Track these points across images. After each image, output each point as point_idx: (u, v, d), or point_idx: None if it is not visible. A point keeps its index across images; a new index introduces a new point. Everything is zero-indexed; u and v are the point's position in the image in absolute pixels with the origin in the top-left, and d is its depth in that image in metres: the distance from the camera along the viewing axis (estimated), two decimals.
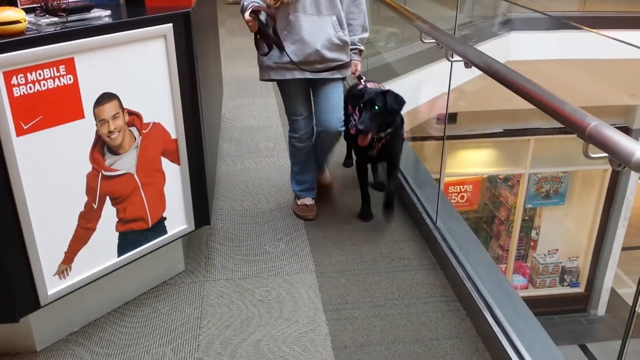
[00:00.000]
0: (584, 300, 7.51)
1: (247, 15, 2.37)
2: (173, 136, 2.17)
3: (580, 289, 7.53)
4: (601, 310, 7.50)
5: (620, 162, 1.33)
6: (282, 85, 2.69)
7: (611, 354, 6.63)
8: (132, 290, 2.31)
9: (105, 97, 1.93)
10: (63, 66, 1.79)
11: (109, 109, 1.95)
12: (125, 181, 2.05)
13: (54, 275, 1.92)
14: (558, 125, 1.59)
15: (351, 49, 2.65)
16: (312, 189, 2.97)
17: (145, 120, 2.06)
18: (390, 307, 2.29)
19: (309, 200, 2.96)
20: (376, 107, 2.54)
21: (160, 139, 2.13)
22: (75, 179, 1.91)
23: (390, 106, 2.58)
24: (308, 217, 2.93)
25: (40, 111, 1.77)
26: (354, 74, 2.75)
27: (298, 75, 2.56)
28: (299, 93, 2.71)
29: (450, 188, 7.12)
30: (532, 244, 7.54)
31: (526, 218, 7.46)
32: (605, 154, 1.39)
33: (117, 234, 2.08)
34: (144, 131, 2.07)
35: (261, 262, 2.56)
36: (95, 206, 1.99)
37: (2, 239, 1.77)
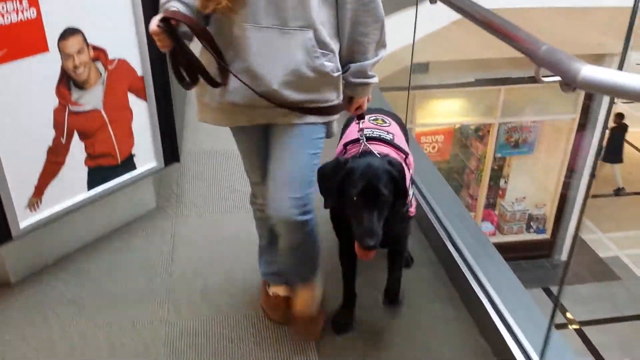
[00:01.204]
0: (549, 246, 7.80)
1: (153, 25, 1.38)
2: (139, 73, 2.18)
3: (546, 235, 7.81)
4: (565, 255, 7.81)
5: (568, 82, 1.40)
6: (232, 130, 1.70)
7: (574, 296, 6.96)
8: (105, 225, 2.35)
9: (69, 32, 1.93)
10: (25, 0, 1.78)
11: (73, 43, 1.94)
12: (92, 117, 2.07)
13: (25, 207, 1.95)
14: (529, 74, 1.64)
15: (354, 83, 1.62)
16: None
17: (110, 57, 2.07)
18: None
19: (282, 290, 1.94)
20: (383, 196, 1.53)
21: (126, 76, 2.14)
22: (43, 113, 1.93)
23: (401, 186, 1.59)
24: (278, 319, 1.95)
25: (4, 44, 1.77)
26: (353, 112, 1.73)
27: (243, 122, 1.59)
28: (252, 144, 1.70)
29: (422, 138, 7.22)
30: (500, 192, 7.75)
31: (495, 167, 7.64)
32: (556, 77, 1.47)
33: (87, 168, 2.11)
34: (109, 67, 2.07)
35: (231, 199, 2.62)
36: (63, 141, 2.00)
37: None
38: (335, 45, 1.55)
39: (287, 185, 1.61)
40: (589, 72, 1.33)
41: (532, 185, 7.82)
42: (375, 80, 1.65)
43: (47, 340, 1.86)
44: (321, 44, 1.50)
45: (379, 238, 1.52)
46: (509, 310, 1.96)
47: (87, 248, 2.26)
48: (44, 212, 2.01)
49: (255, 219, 1.92)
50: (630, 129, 8.50)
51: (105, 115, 2.10)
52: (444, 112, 7.34)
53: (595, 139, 7.00)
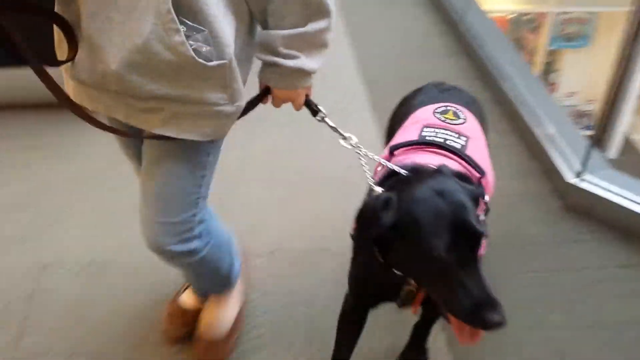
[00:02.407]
0: (596, 143, 7.80)
1: None
2: None
3: (593, 132, 7.80)
4: (612, 153, 7.83)
5: None
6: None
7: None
8: None
9: None
10: None
11: None
12: None
13: None
14: None
15: (260, 60, 1.12)
16: None
17: None
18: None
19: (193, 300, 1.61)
20: (482, 237, 0.98)
21: None
22: None
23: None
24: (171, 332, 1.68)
25: None
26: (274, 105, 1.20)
27: (100, 108, 1.13)
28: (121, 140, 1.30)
29: None
30: (551, 86, 7.69)
31: (548, 61, 7.54)
32: None
33: None
34: None
35: None
36: None
37: None
38: (225, 18, 0.99)
39: (155, 206, 1.18)
40: None
41: (584, 80, 7.71)
42: (296, 63, 1.05)
43: None
44: (185, 10, 0.94)
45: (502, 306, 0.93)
46: (555, 134, 2.18)
47: None
48: None
49: None
50: None
51: None
52: None
53: None
